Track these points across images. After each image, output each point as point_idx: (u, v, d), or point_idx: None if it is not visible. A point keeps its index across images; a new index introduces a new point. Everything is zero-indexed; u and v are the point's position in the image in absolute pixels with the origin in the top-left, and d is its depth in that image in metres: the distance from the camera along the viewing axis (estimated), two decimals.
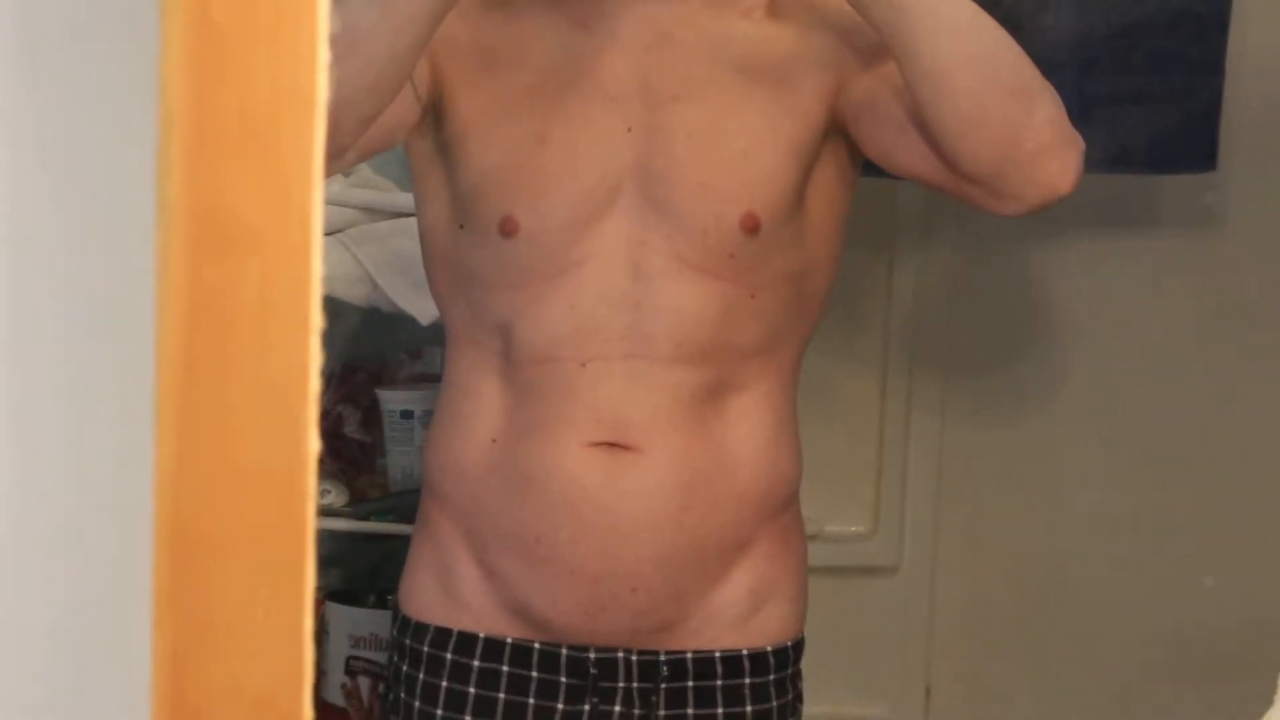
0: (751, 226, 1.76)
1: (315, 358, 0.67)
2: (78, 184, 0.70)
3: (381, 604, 2.52)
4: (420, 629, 1.87)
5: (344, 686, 2.55)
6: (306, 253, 0.67)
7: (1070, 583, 2.94)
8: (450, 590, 1.85)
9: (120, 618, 0.71)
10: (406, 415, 2.53)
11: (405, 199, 2.37)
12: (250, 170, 0.66)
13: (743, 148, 1.77)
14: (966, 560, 2.96)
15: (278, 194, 0.67)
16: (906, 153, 1.77)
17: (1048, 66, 1.74)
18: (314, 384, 0.67)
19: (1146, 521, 2.92)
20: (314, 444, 0.67)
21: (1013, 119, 1.69)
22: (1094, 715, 2.94)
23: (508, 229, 1.76)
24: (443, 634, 1.85)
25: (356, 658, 2.57)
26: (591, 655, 1.81)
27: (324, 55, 0.67)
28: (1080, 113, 2.49)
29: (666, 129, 1.77)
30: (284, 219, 0.67)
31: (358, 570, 2.65)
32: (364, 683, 2.56)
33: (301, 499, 0.67)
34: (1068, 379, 2.91)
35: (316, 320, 0.67)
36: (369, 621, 2.52)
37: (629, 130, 1.77)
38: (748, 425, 1.82)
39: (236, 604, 0.67)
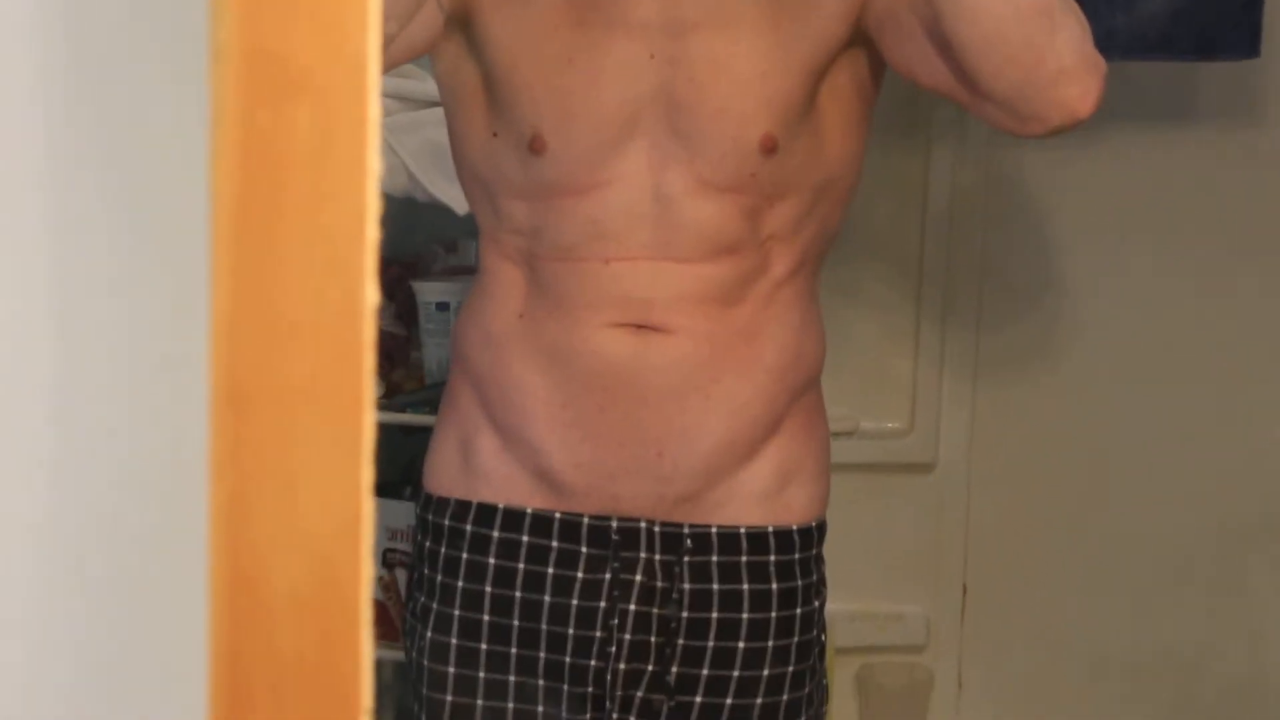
0: (770, 147, 1.77)
1: (373, 203, 0.65)
2: (129, 25, 0.69)
3: (417, 497, 2.52)
4: (441, 504, 1.89)
5: (381, 579, 2.56)
6: (363, 95, 0.65)
7: (1109, 476, 2.94)
8: (470, 462, 1.87)
9: (178, 472, 0.70)
10: (442, 307, 2.52)
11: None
12: (304, 11, 0.65)
13: (761, 70, 1.77)
14: (1003, 456, 2.96)
15: (333, 36, 0.65)
16: (927, 67, 1.77)
17: None
18: (372, 230, 0.66)
19: (1185, 414, 2.91)
20: (373, 292, 0.66)
21: (1034, 40, 1.68)
22: (1133, 610, 2.94)
23: (536, 147, 1.78)
24: (463, 506, 1.87)
25: (393, 550, 2.57)
26: (614, 523, 1.82)
27: None
28: None
29: (687, 57, 1.77)
30: (339, 61, 0.65)
31: (393, 463, 2.65)
32: (400, 575, 2.56)
33: (359, 347, 0.66)
34: (1104, 273, 2.90)
35: (374, 164, 0.66)
36: (405, 514, 2.52)
37: (651, 57, 1.78)
38: (774, 308, 1.83)
39: (294, 454, 0.66)
